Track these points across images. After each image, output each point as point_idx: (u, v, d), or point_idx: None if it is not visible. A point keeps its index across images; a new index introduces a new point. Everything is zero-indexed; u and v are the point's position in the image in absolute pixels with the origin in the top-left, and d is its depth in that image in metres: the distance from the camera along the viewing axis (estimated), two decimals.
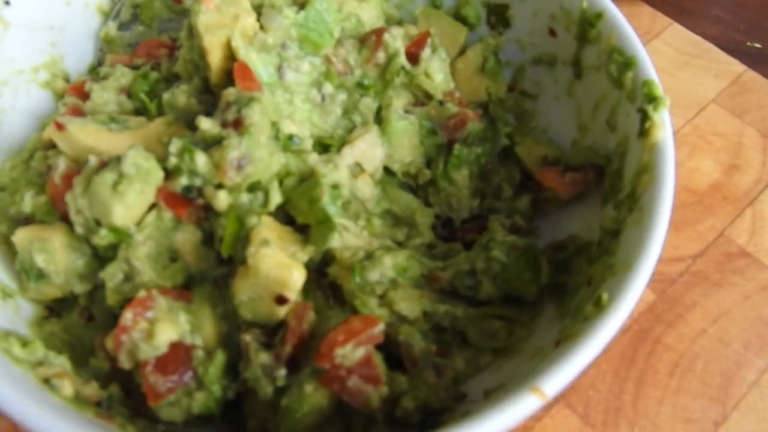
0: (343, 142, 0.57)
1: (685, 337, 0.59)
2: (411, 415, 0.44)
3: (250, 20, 0.54)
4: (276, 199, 0.48)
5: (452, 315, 0.51)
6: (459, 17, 0.67)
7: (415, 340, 0.47)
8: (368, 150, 0.58)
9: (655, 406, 0.56)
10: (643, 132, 0.48)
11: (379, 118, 0.59)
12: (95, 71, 0.61)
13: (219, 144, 0.48)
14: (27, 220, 0.53)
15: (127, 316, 0.45)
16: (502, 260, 0.51)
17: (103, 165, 0.48)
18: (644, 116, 0.49)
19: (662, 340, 0.59)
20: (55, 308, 0.52)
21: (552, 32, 0.61)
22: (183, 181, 0.48)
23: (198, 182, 0.48)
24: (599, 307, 0.41)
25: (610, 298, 0.41)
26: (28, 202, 0.51)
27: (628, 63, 0.52)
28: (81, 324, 0.51)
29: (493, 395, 0.42)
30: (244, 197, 0.48)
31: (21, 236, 0.50)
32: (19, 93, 0.57)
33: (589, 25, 0.56)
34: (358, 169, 0.57)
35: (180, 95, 0.54)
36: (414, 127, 0.59)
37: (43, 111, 0.59)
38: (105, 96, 0.56)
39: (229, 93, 0.51)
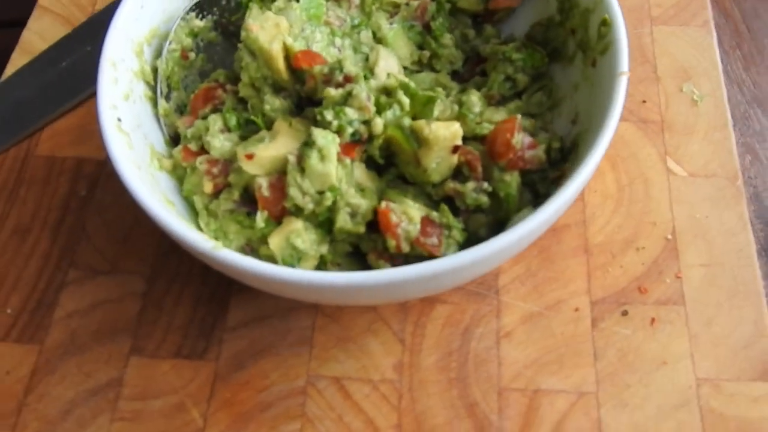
0: (371, 68, 0.79)
1: None
2: (557, 155, 0.72)
3: (283, 23, 0.72)
4: (406, 101, 0.70)
5: (518, 108, 0.78)
6: None
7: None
8: (388, 62, 0.81)
9: None
10: None
11: (378, 39, 0.81)
12: (183, 139, 0.75)
13: (349, 95, 0.68)
14: (247, 245, 0.69)
15: (392, 216, 0.66)
16: (518, 57, 0.78)
17: (298, 156, 0.66)
18: None
19: None
20: None
21: None
22: (349, 130, 0.68)
23: (356, 126, 0.68)
24: (607, 26, 0.70)
25: (610, 18, 0.70)
26: (260, 219, 0.67)
27: None
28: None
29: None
30: (389, 114, 0.69)
31: (275, 240, 0.66)
32: (158, 180, 0.71)
33: None
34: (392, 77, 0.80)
35: (275, 101, 0.72)
36: (400, 31, 0.82)
37: (174, 186, 0.73)
38: (219, 141, 0.72)
39: (315, 70, 0.70)
